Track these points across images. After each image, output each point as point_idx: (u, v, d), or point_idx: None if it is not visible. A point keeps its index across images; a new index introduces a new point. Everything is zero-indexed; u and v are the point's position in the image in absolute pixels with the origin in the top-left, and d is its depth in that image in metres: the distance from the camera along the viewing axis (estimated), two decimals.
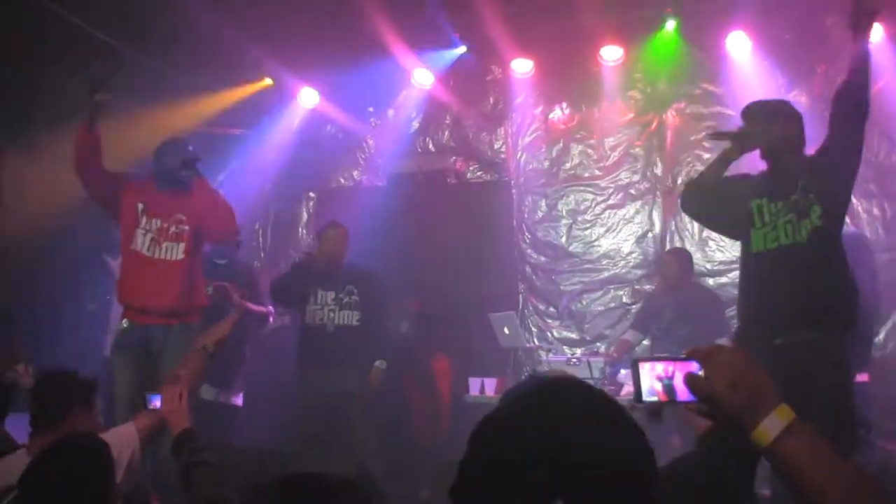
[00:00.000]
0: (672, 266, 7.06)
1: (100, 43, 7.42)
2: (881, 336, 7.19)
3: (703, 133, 7.94)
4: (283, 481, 1.64)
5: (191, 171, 5.72)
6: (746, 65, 7.70)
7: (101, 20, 7.31)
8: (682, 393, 1.66)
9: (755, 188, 4.71)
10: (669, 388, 1.69)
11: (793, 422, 1.54)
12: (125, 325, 5.67)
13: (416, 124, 9.09)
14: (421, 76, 8.59)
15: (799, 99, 7.64)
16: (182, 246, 5.67)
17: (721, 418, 1.63)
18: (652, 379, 1.70)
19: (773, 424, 1.54)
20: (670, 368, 1.70)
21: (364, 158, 9.36)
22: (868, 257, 5.96)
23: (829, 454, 1.51)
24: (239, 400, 7.30)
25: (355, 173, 9.40)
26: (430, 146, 9.08)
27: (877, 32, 7.18)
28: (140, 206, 5.66)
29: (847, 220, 4.91)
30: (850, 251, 4.67)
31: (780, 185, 4.57)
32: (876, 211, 7.44)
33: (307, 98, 8.92)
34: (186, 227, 5.69)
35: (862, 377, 5.60)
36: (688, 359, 1.67)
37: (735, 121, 7.70)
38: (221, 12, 7.05)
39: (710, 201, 4.85)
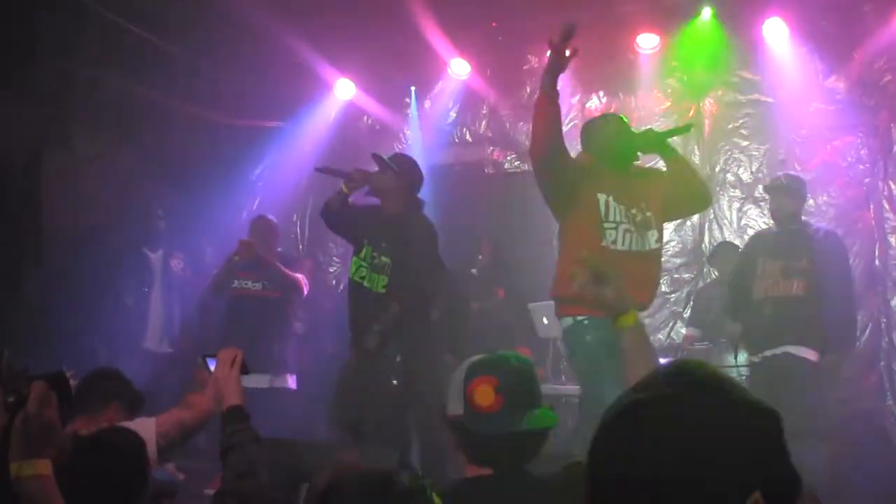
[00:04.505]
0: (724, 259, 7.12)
1: (133, 37, 7.48)
2: None
3: (741, 121, 7.94)
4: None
5: None
6: (783, 51, 7.64)
7: (130, 13, 7.37)
8: None
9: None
10: None
11: None
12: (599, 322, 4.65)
13: (452, 115, 9.08)
14: (458, 66, 8.59)
15: (836, 84, 7.58)
16: (654, 234, 5.01)
17: None
18: None
19: None
20: None
21: (400, 150, 9.34)
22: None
23: None
24: (293, 383, 7.24)
25: None
26: (468, 137, 9.09)
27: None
28: (602, 197, 4.90)
29: None
30: None
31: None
32: None
33: (343, 90, 8.93)
34: (650, 213, 4.99)
35: None
36: None
37: (772, 108, 7.72)
38: (257, 3, 7.10)
39: None
